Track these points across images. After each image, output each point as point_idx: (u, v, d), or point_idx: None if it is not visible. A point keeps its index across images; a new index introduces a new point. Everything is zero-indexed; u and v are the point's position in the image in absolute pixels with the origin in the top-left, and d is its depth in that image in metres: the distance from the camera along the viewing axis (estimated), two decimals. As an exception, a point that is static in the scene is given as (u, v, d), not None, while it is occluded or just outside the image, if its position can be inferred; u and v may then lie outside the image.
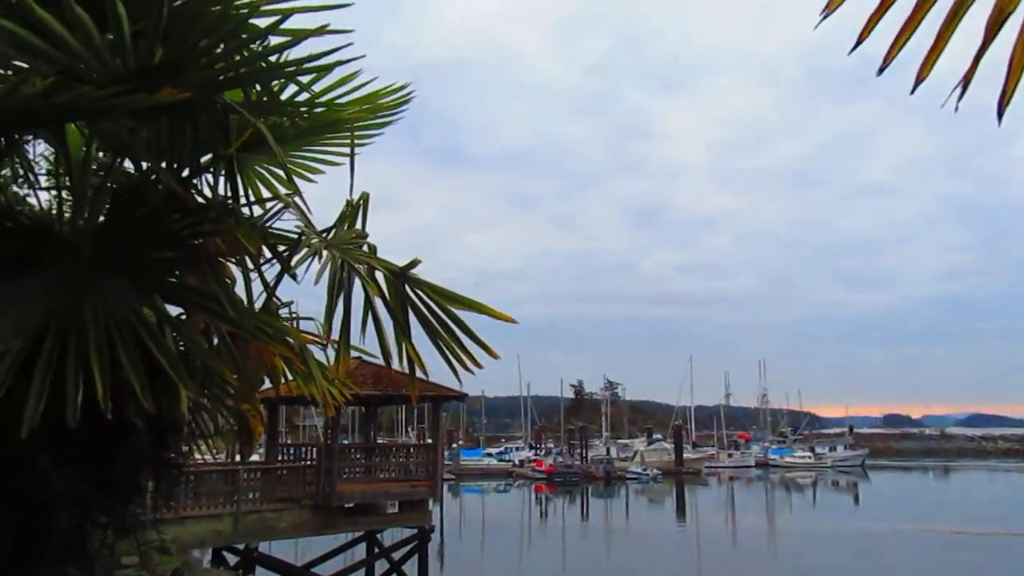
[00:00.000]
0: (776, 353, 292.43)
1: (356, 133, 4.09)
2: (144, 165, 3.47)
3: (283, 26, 3.00)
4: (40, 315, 2.86)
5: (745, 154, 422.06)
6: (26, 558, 3.11)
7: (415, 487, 18.25)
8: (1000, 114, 1.53)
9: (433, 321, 3.80)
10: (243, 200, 3.84)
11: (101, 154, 3.82)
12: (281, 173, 4.05)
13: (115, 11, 2.65)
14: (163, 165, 3.45)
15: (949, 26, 1.59)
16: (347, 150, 4.04)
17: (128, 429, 3.13)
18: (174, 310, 3.42)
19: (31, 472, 2.99)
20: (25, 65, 2.87)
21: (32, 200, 3.89)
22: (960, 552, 28.88)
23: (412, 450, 20.51)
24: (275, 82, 3.50)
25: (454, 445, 75.04)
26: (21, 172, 3.90)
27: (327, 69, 3.30)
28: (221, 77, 3.04)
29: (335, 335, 3.85)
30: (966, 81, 1.52)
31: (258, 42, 3.11)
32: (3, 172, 3.87)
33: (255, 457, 17.10)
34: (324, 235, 3.90)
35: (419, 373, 3.94)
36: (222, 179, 3.69)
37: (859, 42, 1.58)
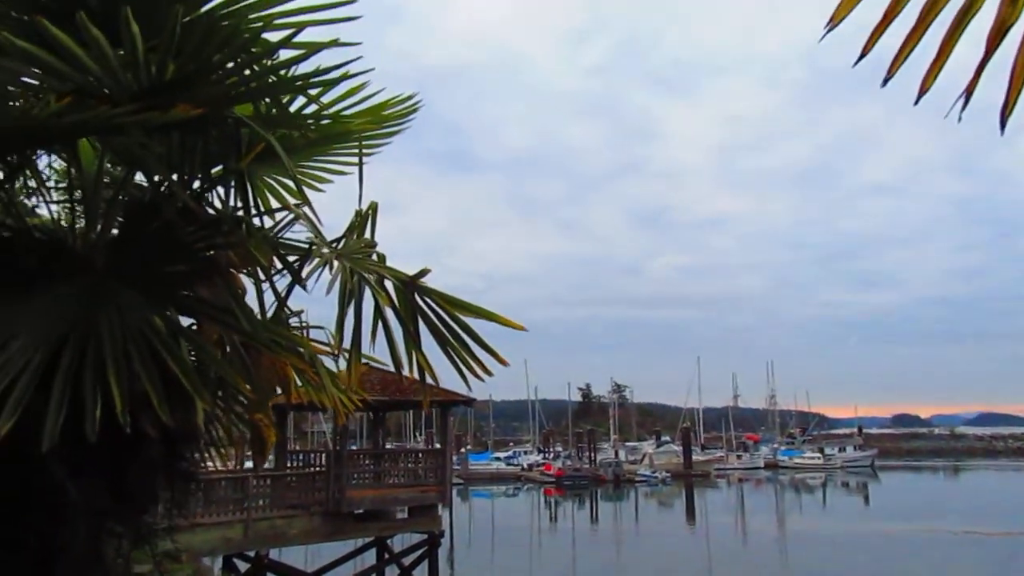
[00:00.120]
0: (784, 354, 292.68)
1: (364, 143, 4.13)
2: (156, 178, 3.50)
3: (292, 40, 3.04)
4: (57, 328, 2.88)
5: (750, 155, 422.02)
6: (45, 569, 3.14)
7: (424, 492, 18.28)
8: (1003, 124, 1.56)
9: (443, 329, 3.82)
10: (254, 211, 3.88)
11: (112, 167, 3.86)
12: (291, 183, 4.08)
13: (129, 29, 2.68)
14: (175, 178, 3.49)
15: (952, 37, 1.61)
16: (355, 159, 4.08)
17: (143, 439, 3.16)
18: (187, 322, 3.45)
19: (49, 483, 3.02)
20: (38, 83, 2.92)
21: (43, 212, 3.93)
22: (971, 552, 28.78)
23: (421, 455, 20.53)
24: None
25: (462, 449, 75.01)
26: (33, 185, 3.95)
27: (335, 82, 3.34)
28: (233, 92, 3.08)
29: (346, 344, 3.88)
30: (968, 93, 1.54)
31: (268, 56, 3.15)
32: (16, 186, 3.91)
33: (265, 465, 17.14)
34: (334, 245, 3.93)
35: (429, 380, 3.97)
36: (233, 191, 3.73)
37: (863, 55, 1.60)
